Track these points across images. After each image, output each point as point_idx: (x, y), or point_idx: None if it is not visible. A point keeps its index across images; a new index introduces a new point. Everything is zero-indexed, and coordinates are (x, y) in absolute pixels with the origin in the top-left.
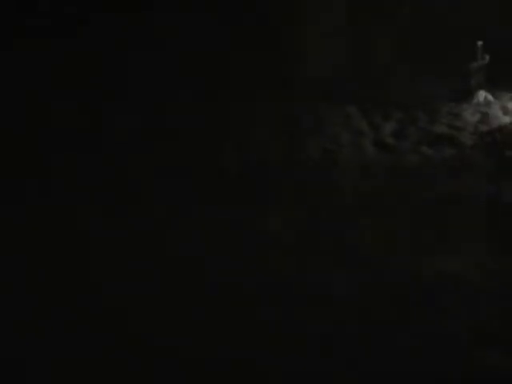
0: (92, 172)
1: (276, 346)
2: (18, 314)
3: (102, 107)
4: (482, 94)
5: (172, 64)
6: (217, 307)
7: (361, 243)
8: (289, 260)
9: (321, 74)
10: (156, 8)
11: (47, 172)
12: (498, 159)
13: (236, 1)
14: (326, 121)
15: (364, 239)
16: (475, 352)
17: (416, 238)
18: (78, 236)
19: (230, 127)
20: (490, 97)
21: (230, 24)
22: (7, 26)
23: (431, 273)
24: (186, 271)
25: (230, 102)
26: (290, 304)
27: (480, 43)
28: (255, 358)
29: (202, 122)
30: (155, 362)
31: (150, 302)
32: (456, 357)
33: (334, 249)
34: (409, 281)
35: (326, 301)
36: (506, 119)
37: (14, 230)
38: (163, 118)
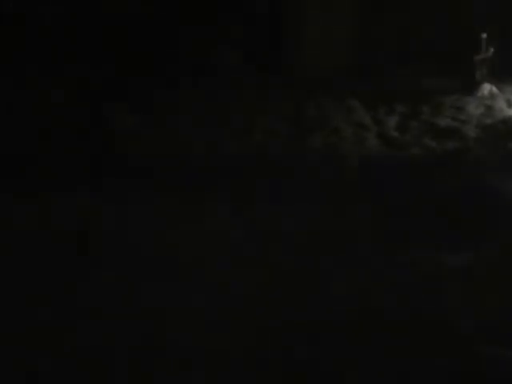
0: None
1: None
2: None
3: None
4: (486, 87)
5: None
6: None
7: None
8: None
9: (323, 69)
10: None
11: None
12: (502, 152)
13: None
14: (329, 114)
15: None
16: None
17: (414, 230)
18: None
19: (230, 120)
20: (494, 89)
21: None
22: None
23: (430, 264)
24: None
25: (230, 97)
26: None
27: (484, 35)
28: None
29: (203, 120)
30: None
31: None
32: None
33: (334, 246)
34: (408, 275)
35: (325, 297)
36: (511, 112)
37: None
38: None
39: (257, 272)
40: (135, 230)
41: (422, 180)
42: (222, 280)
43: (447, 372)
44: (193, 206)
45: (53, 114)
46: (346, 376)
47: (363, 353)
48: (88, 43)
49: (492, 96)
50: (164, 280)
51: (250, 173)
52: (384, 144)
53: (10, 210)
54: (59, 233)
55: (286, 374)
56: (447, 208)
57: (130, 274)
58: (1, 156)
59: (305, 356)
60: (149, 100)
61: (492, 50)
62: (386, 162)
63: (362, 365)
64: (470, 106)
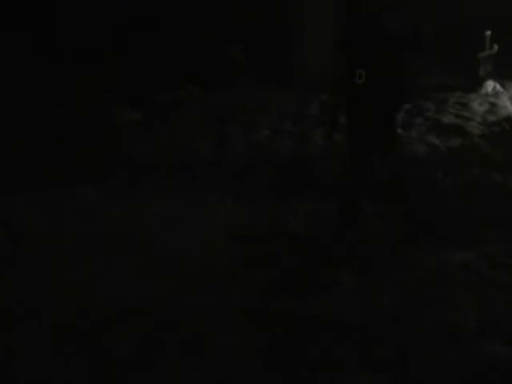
0: None
1: None
2: None
3: None
4: (490, 84)
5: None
6: None
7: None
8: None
9: (323, 68)
10: None
11: None
12: (506, 149)
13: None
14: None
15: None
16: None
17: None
18: None
19: (232, 118)
20: (498, 87)
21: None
22: None
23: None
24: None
25: (232, 96)
26: None
27: (488, 33)
28: None
29: (205, 118)
30: None
31: None
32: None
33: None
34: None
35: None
36: None
37: None
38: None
39: (256, 271)
40: (136, 229)
41: (426, 177)
42: (221, 279)
43: None
44: (195, 204)
45: (53, 111)
46: None
47: None
48: (91, 40)
49: (496, 93)
50: (164, 279)
51: (252, 171)
52: None
53: (10, 209)
54: (59, 232)
55: None
56: (448, 206)
57: (130, 273)
58: (1, 155)
59: None
60: (151, 98)
61: (496, 47)
62: None
63: None
64: (474, 104)
